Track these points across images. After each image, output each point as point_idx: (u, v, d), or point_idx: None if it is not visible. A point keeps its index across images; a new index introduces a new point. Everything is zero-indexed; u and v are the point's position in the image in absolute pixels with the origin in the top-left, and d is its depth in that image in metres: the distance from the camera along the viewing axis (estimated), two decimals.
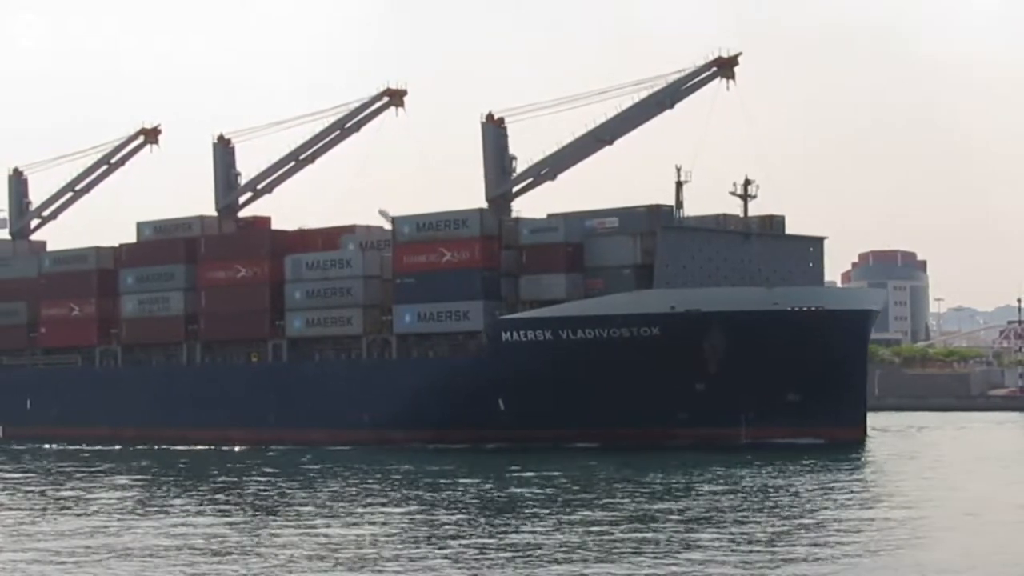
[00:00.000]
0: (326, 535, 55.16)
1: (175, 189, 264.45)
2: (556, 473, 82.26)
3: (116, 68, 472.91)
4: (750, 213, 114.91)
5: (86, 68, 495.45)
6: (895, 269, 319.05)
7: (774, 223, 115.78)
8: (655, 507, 63.53)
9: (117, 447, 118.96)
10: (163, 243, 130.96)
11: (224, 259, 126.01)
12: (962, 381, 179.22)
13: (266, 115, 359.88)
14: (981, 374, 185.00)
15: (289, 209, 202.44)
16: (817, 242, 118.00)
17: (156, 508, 67.03)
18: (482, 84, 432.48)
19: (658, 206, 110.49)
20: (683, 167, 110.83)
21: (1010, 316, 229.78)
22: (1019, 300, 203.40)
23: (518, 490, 73.35)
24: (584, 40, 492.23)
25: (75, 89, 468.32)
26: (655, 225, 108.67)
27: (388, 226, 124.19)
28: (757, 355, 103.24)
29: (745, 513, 60.84)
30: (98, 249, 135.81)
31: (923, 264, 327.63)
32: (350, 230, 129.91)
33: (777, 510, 62.22)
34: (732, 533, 53.69)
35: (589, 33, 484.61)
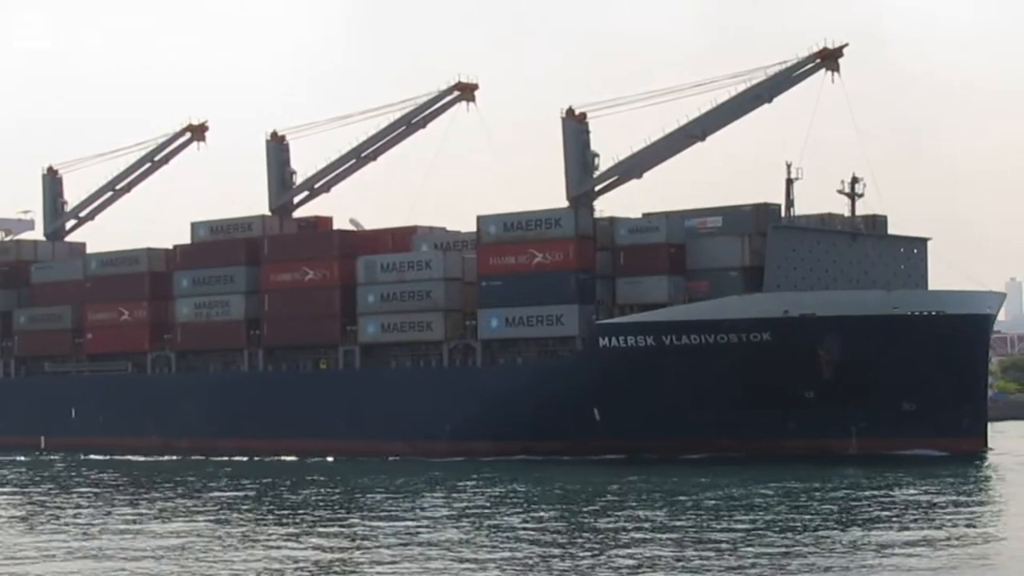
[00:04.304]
0: None
1: (222, 188, 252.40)
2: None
3: (151, 66, 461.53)
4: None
5: (117, 68, 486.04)
6: None
7: (877, 223, 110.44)
8: None
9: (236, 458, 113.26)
10: (222, 244, 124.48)
11: (289, 260, 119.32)
12: None
13: (320, 111, 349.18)
14: None
15: (347, 208, 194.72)
16: (921, 243, 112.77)
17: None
18: (556, 79, 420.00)
19: (765, 204, 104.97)
20: (793, 164, 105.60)
21: None
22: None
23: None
24: (646, 34, 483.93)
25: (106, 88, 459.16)
26: (764, 225, 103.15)
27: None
28: (873, 362, 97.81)
29: None
30: (149, 250, 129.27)
31: None
32: (412, 231, 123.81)
33: None
34: None
35: (642, 28, 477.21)
